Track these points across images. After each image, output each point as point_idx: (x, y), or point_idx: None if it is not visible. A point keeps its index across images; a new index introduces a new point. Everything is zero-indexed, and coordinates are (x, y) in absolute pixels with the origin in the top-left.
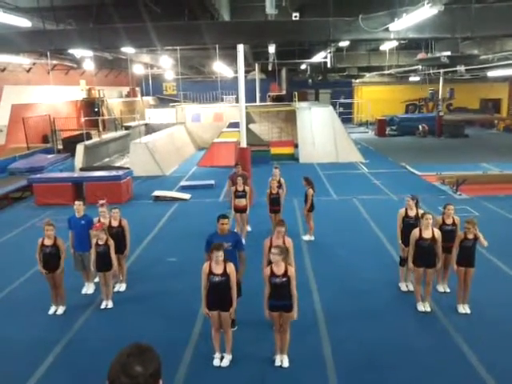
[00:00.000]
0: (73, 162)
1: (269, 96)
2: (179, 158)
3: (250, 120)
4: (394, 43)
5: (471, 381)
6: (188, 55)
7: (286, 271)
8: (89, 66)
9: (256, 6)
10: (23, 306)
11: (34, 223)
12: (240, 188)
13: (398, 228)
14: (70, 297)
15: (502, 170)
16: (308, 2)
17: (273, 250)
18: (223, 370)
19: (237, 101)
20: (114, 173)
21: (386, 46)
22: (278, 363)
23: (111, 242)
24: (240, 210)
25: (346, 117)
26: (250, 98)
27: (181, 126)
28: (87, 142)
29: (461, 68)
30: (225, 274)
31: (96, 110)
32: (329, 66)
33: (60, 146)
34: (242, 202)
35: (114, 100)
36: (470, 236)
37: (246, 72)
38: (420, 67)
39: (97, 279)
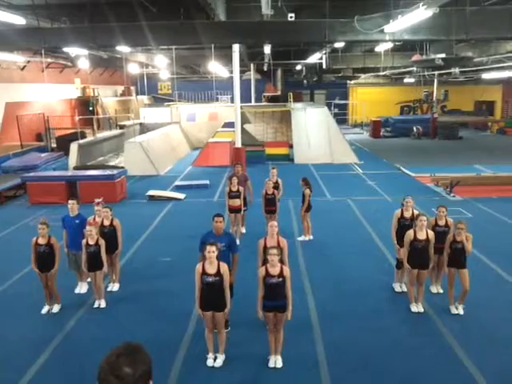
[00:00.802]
0: (67, 160)
1: (264, 96)
2: (174, 158)
3: (244, 120)
4: (389, 45)
5: (463, 380)
6: (183, 55)
7: (281, 271)
8: (83, 64)
9: (252, 6)
10: (15, 306)
11: (28, 222)
12: (234, 188)
13: (393, 229)
14: (63, 296)
15: (496, 171)
16: (304, 3)
17: (272, 251)
18: (216, 371)
19: (232, 101)
20: (108, 172)
21: (381, 48)
22: (271, 364)
23: (102, 242)
24: (234, 211)
25: (341, 118)
26: (245, 98)
27: (176, 125)
28: (81, 141)
29: (455, 70)
30: (218, 274)
31: (90, 108)
32: (324, 66)
33: (54, 145)
34: (236, 202)
35: (108, 99)
36: (459, 238)
37: (242, 72)
38: (415, 69)
39: (89, 279)
